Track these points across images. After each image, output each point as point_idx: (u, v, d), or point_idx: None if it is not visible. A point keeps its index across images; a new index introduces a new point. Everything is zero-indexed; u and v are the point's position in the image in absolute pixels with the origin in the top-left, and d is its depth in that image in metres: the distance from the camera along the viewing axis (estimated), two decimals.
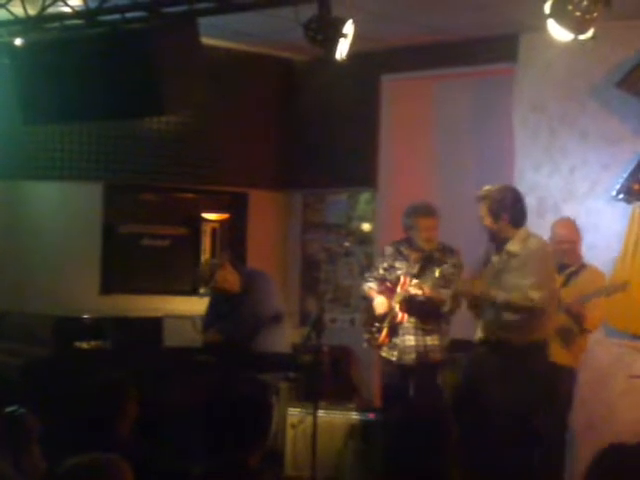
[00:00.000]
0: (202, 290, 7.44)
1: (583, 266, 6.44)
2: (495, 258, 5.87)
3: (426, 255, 6.38)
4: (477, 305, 5.92)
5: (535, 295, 5.62)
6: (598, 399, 6.87)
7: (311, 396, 6.20)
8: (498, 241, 5.85)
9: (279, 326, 6.91)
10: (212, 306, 7.09)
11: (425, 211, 6.39)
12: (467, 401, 5.86)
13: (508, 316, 5.70)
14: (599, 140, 7.02)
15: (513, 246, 5.77)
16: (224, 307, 6.91)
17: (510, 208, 5.78)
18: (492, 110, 8.15)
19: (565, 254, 6.33)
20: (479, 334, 5.95)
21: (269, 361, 6.67)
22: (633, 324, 6.74)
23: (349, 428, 6.46)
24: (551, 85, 7.27)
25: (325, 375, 7.28)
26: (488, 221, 5.82)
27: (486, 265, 5.94)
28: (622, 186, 6.80)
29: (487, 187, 5.88)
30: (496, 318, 5.76)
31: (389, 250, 6.58)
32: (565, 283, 6.33)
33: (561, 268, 6.31)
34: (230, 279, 6.85)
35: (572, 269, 6.38)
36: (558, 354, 6.14)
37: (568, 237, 6.41)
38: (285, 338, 7.01)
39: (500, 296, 5.70)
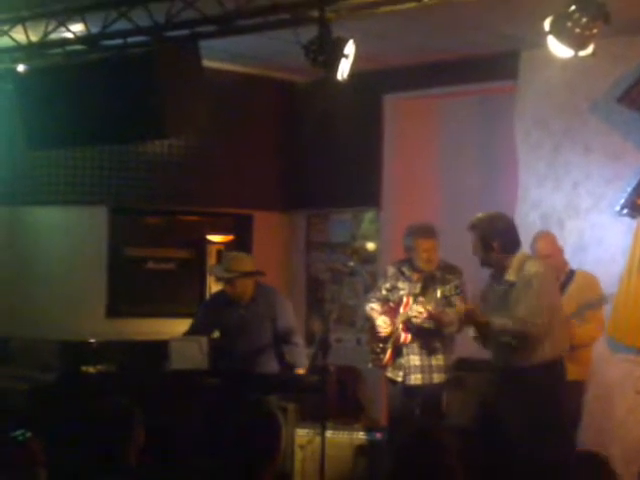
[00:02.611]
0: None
1: (572, 273, 6.41)
2: (498, 288, 5.80)
3: (428, 275, 6.36)
4: (481, 333, 5.87)
5: (530, 319, 5.52)
6: (607, 416, 6.84)
7: (318, 417, 6.18)
8: (497, 270, 5.79)
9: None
10: (207, 313, 7.04)
11: (424, 232, 6.36)
12: (487, 427, 5.81)
13: (507, 340, 5.63)
14: (602, 155, 7.02)
15: (511, 275, 5.69)
16: (229, 315, 6.84)
17: (500, 236, 5.70)
18: (495, 127, 8.17)
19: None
20: (492, 360, 5.91)
21: (276, 382, 6.66)
22: None
23: (357, 448, 6.44)
24: (553, 101, 7.28)
25: (332, 395, 7.25)
26: (479, 250, 5.77)
27: (487, 294, 5.91)
28: (626, 201, 6.79)
29: (478, 215, 5.82)
30: (499, 344, 5.72)
31: (391, 270, 6.56)
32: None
33: None
34: (247, 289, 6.79)
35: (561, 280, 6.32)
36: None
37: (548, 251, 6.32)
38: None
39: (497, 322, 5.63)
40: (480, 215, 5.80)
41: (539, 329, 5.54)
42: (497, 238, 5.68)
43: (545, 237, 6.48)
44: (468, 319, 5.80)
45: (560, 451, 5.59)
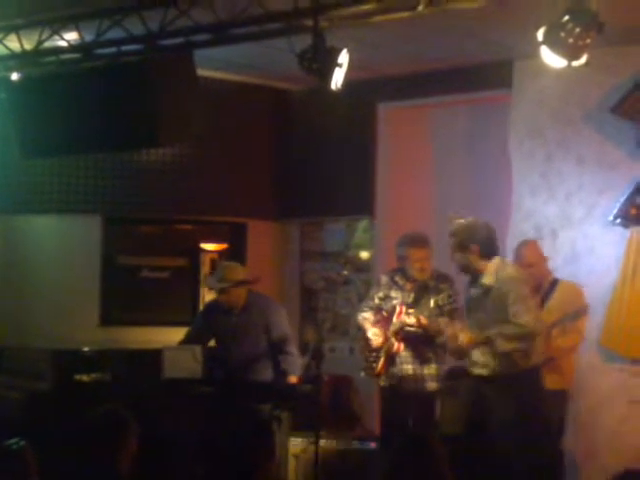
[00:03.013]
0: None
1: (555, 282, 6.41)
2: (472, 291, 5.83)
3: (420, 284, 6.37)
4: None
5: (525, 320, 5.56)
6: (599, 425, 6.83)
7: (312, 426, 6.18)
8: (472, 274, 5.82)
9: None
10: (201, 322, 7.03)
11: (417, 242, 6.37)
12: (478, 434, 5.82)
13: (503, 346, 5.63)
14: (595, 165, 7.04)
15: (487, 278, 5.72)
16: (223, 323, 6.84)
17: (480, 240, 5.74)
18: (489, 136, 8.18)
19: (533, 277, 6.23)
20: (475, 369, 5.88)
21: (269, 391, 6.65)
22: (633, 348, 6.72)
23: (350, 457, 6.44)
24: (546, 111, 7.30)
25: (325, 404, 7.25)
26: (457, 254, 5.79)
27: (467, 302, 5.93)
28: (619, 210, 6.81)
29: (459, 221, 5.86)
30: (490, 351, 5.71)
31: (384, 279, 6.57)
32: (542, 303, 6.29)
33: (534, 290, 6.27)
34: (240, 298, 6.77)
35: (545, 288, 6.33)
36: (546, 380, 6.10)
37: (533, 259, 6.33)
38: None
39: (492, 332, 5.63)
40: (462, 221, 5.86)
41: (539, 329, 5.59)
42: (476, 243, 5.73)
43: (531, 245, 6.50)
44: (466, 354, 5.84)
45: (547, 456, 5.64)
